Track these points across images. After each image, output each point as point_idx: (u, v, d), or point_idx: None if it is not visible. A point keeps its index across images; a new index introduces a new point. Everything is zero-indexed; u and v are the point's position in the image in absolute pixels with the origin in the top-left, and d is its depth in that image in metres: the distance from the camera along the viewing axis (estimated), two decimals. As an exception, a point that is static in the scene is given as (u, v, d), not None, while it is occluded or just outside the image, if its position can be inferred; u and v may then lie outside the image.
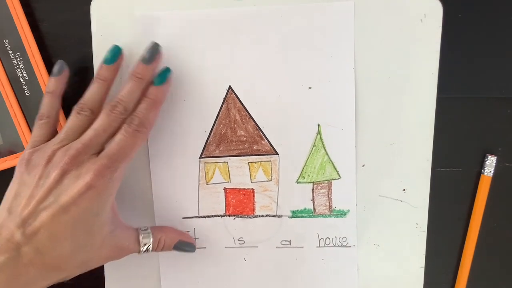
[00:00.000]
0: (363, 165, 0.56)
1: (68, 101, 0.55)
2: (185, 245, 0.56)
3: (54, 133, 0.52)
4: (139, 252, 0.53)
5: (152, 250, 0.53)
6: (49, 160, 0.48)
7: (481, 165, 0.57)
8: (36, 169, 0.48)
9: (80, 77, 0.55)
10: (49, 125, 0.52)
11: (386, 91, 0.54)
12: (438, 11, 0.53)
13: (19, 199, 0.47)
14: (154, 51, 0.52)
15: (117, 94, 0.50)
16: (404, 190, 0.56)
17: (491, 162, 0.56)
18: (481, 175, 0.56)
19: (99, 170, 0.47)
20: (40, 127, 0.51)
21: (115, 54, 0.52)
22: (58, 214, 0.46)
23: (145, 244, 0.53)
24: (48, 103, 0.52)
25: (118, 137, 0.49)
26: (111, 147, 0.49)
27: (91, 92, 0.51)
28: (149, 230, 0.53)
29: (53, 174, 0.47)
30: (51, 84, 0.52)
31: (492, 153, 0.56)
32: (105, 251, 0.50)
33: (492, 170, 0.56)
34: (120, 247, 0.51)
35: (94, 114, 0.50)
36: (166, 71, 0.53)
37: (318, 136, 0.55)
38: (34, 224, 0.46)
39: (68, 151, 0.48)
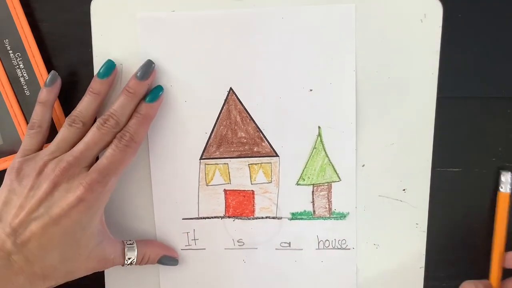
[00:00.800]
0: (363, 165, 0.56)
1: (68, 101, 0.55)
2: (168, 259, 0.57)
3: (44, 142, 0.53)
4: (123, 265, 0.54)
5: (136, 263, 0.54)
6: (40, 171, 0.49)
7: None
8: (27, 179, 0.49)
9: (80, 77, 0.55)
10: (40, 134, 0.52)
11: (386, 91, 0.54)
12: (438, 11, 0.53)
13: (9, 207, 0.48)
14: (148, 68, 0.53)
15: (109, 108, 0.51)
16: (404, 190, 0.56)
17: (507, 179, 0.56)
18: (498, 192, 0.56)
19: (90, 184, 0.48)
20: (31, 136, 0.52)
21: (109, 68, 0.53)
22: (48, 226, 0.47)
23: (129, 258, 0.54)
24: (40, 113, 0.52)
25: (109, 151, 0.50)
26: (101, 162, 0.50)
27: (84, 105, 0.52)
28: (134, 244, 0.54)
29: (44, 185, 0.48)
30: (43, 95, 0.53)
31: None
32: (91, 263, 0.51)
33: (509, 187, 0.56)
34: (106, 259, 0.52)
35: (86, 126, 0.51)
36: (159, 89, 0.53)
37: (319, 138, 0.55)
38: (25, 234, 0.47)
39: (59, 164, 0.49)
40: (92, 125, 0.52)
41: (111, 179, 0.50)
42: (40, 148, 0.52)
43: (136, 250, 0.54)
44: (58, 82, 0.53)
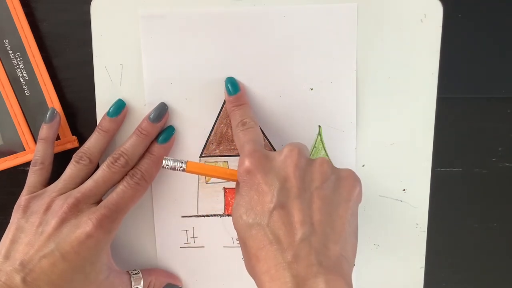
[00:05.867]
0: (363, 165, 0.56)
1: (67, 102, 0.56)
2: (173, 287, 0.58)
3: (48, 178, 0.53)
4: None
5: None
6: (48, 208, 0.49)
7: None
8: (35, 216, 0.49)
9: (80, 77, 0.55)
10: (43, 170, 0.53)
11: (386, 91, 0.54)
12: (438, 11, 0.52)
13: (17, 245, 0.48)
14: (162, 111, 0.54)
15: (120, 147, 0.52)
16: (404, 190, 0.56)
17: None
18: None
19: (99, 220, 0.48)
20: (35, 173, 0.52)
21: (119, 108, 0.54)
22: (58, 262, 0.47)
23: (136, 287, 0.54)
24: (42, 150, 0.53)
25: (120, 188, 0.51)
26: (111, 198, 0.50)
27: (92, 142, 0.53)
28: (139, 274, 0.55)
29: (52, 222, 0.48)
30: (43, 132, 0.53)
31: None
32: None
33: None
34: None
35: (93, 163, 0.52)
36: (171, 130, 0.55)
37: (319, 137, 0.55)
38: (35, 271, 0.47)
39: (67, 200, 0.49)
40: (99, 162, 0.53)
41: (120, 215, 0.50)
42: (45, 184, 0.52)
43: (141, 279, 0.54)
44: (58, 118, 0.54)
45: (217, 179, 0.56)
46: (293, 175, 0.45)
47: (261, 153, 0.47)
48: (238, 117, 0.52)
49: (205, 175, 0.51)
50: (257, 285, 0.45)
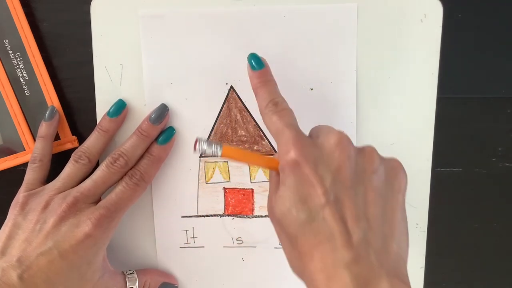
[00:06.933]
0: (363, 165, 0.56)
1: (67, 102, 0.56)
2: (168, 287, 0.58)
3: (46, 176, 0.53)
4: None
5: None
6: (46, 206, 0.49)
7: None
8: (32, 214, 0.49)
9: (80, 77, 0.55)
10: (42, 168, 0.53)
11: (386, 91, 0.54)
12: (438, 11, 0.52)
13: (13, 241, 0.48)
14: (163, 112, 0.54)
15: (120, 147, 0.52)
16: (404, 190, 0.56)
17: None
18: None
19: (98, 220, 0.48)
20: (33, 170, 0.52)
21: (119, 108, 0.54)
22: (55, 261, 0.47)
23: None
24: (41, 147, 0.53)
25: (119, 188, 0.51)
26: (110, 197, 0.50)
27: (91, 141, 0.53)
28: (134, 274, 0.55)
29: (51, 220, 0.48)
30: (42, 129, 0.53)
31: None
32: None
33: None
34: None
35: (92, 162, 0.52)
36: (171, 131, 0.55)
37: (319, 137, 0.55)
38: (32, 268, 0.46)
39: (66, 198, 0.49)
40: (98, 161, 0.53)
41: (118, 215, 0.50)
42: (43, 182, 0.52)
43: (136, 279, 0.54)
44: (57, 116, 0.54)
45: (217, 179, 0.57)
46: (344, 167, 0.42)
47: (306, 141, 0.43)
48: (266, 95, 0.47)
49: (241, 161, 0.47)
50: (307, 284, 0.42)
